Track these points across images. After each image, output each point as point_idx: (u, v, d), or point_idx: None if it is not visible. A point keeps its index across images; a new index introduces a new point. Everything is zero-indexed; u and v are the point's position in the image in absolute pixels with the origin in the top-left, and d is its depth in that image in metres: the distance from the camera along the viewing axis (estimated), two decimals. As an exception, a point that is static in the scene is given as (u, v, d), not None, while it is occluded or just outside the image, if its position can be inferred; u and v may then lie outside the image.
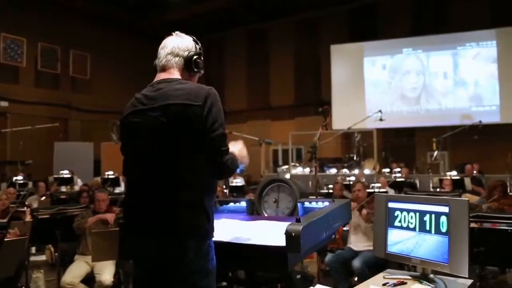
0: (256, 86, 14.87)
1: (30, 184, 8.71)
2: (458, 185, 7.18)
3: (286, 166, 12.14)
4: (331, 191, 7.15)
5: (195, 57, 1.93)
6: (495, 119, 11.29)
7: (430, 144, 9.95)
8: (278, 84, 14.56)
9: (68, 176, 8.54)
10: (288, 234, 1.70)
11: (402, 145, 12.62)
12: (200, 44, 2.00)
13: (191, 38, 1.97)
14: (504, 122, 11.28)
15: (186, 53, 1.92)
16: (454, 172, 8.06)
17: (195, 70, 1.94)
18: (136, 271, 1.90)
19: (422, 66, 12.29)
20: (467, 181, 7.56)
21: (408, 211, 2.12)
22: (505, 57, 11.41)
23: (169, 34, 1.98)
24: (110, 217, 4.16)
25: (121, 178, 8.75)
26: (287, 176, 10.48)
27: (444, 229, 1.96)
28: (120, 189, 8.32)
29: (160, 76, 1.92)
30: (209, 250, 1.78)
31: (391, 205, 2.21)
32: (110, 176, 8.47)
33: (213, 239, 1.92)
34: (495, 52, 11.59)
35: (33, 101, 12.03)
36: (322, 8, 13.33)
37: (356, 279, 4.30)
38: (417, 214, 2.08)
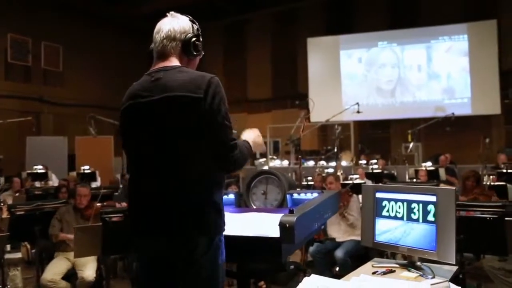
0: (233, 78, 14.81)
1: (2, 180, 8.46)
2: (433, 176, 7.37)
3: (264, 159, 12.16)
4: (310, 183, 7.22)
5: (193, 39, 1.80)
6: (467, 111, 11.61)
7: (404, 136, 10.16)
8: (255, 77, 14.56)
9: (42, 171, 8.31)
10: (282, 225, 1.71)
11: (377, 137, 12.85)
12: (197, 24, 1.86)
13: (187, 18, 1.84)
14: (475, 114, 11.62)
15: (183, 36, 1.79)
16: (429, 163, 8.25)
17: (194, 53, 1.83)
18: (143, 269, 1.82)
19: (397, 59, 12.50)
20: (442, 171, 7.75)
21: (396, 200, 2.16)
22: (476, 51, 11.71)
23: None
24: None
25: (97, 172, 8.60)
26: (265, 169, 10.50)
27: (431, 218, 2.01)
28: (97, 184, 8.18)
29: (158, 64, 1.80)
30: (220, 244, 1.74)
31: (379, 195, 2.24)
32: (86, 171, 8.30)
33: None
34: (466, 46, 11.89)
35: (3, 94, 11.65)
36: (299, 0, 13.36)
37: (337, 269, 4.38)
38: (405, 203, 2.12)
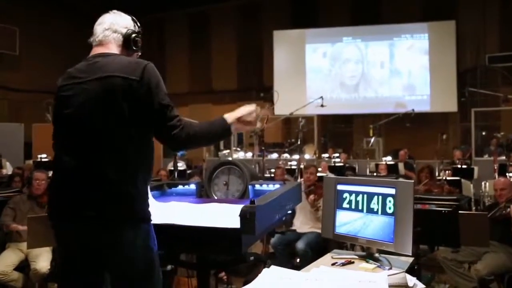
0: (198, 69, 14.66)
1: (-48, 168, 8.04)
2: (392, 170, 7.58)
3: (228, 151, 12.13)
4: (273, 175, 7.25)
5: (133, 35, 1.87)
6: (426, 108, 11.96)
7: (366, 130, 10.37)
8: (220, 68, 14.44)
9: (-4, 159, 7.97)
10: (242, 215, 1.69)
11: (340, 131, 13.05)
12: (139, 25, 1.94)
13: (130, 17, 1.92)
14: (433, 111, 11.99)
15: (125, 30, 1.86)
16: (389, 158, 8.47)
17: (134, 48, 1.89)
18: (67, 259, 1.78)
19: (361, 55, 12.69)
20: (401, 166, 8.00)
21: (357, 193, 2.18)
22: (435, 50, 12.07)
23: (106, 11, 1.91)
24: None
25: (54, 161, 8.30)
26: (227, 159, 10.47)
27: (390, 210, 2.04)
28: (54, 173, 7.90)
29: (97, 50, 1.84)
30: (149, 230, 1.75)
31: (340, 187, 2.26)
32: (43, 159, 8.00)
33: (164, 222, 1.87)
34: (427, 45, 12.22)
35: (-46, 78, 11.05)
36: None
37: (298, 260, 4.42)
38: (365, 196, 2.15)
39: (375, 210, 2.10)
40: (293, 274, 1.59)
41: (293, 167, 8.22)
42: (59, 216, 1.74)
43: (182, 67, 14.76)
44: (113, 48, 1.84)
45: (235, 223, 1.73)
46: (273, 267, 1.65)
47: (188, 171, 8.37)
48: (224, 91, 14.33)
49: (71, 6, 13.58)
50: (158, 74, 1.78)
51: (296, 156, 10.11)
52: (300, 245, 4.26)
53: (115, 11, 1.91)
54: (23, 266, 3.80)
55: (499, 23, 11.62)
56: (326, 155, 10.53)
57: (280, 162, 9.03)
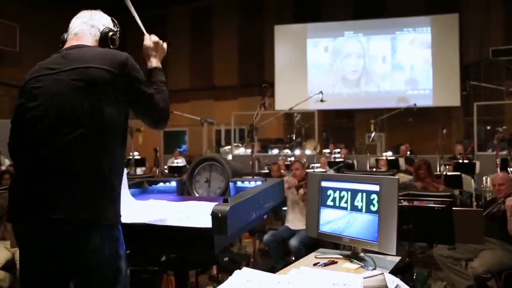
0: (199, 65, 14.57)
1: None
2: (393, 165, 7.48)
3: (229, 147, 12.05)
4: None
5: (111, 33, 1.82)
6: (428, 102, 11.81)
7: (368, 125, 10.24)
8: (221, 64, 14.34)
9: (-7, 156, 7.93)
10: (214, 215, 1.61)
11: (342, 126, 12.94)
12: (118, 27, 1.90)
13: (110, 18, 1.90)
14: (436, 105, 11.84)
15: (102, 27, 1.82)
16: (389, 153, 8.35)
17: (111, 47, 1.82)
18: (28, 263, 1.67)
19: (362, 49, 12.54)
20: (401, 161, 7.88)
21: (341, 190, 2.09)
22: (438, 43, 11.90)
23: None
24: None
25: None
26: (229, 156, 10.42)
27: (374, 208, 1.95)
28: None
29: (71, 42, 1.76)
30: (118, 235, 1.64)
31: (324, 184, 2.17)
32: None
33: (137, 221, 1.80)
34: (429, 38, 12.05)
35: (-46, 75, 11.03)
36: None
37: (293, 258, 4.34)
38: (349, 193, 2.05)
39: (359, 207, 2.01)
40: (264, 277, 1.51)
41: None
42: (21, 217, 1.62)
43: (183, 63, 14.67)
44: (89, 42, 1.78)
45: (209, 222, 1.65)
46: (245, 269, 1.56)
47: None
48: (225, 87, 14.24)
49: (71, 1, 13.52)
50: (137, 65, 1.74)
51: (297, 152, 10.03)
52: (293, 242, 4.18)
53: (95, 10, 1.88)
54: (10, 266, 3.73)
55: (503, 16, 11.42)
56: (328, 150, 10.42)
57: (280, 158, 8.93)
